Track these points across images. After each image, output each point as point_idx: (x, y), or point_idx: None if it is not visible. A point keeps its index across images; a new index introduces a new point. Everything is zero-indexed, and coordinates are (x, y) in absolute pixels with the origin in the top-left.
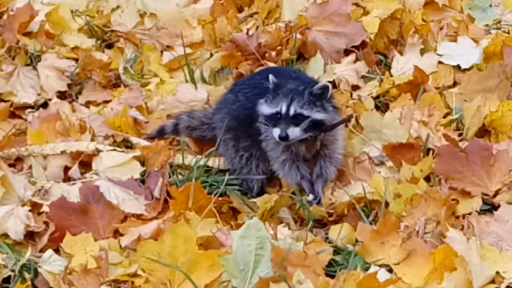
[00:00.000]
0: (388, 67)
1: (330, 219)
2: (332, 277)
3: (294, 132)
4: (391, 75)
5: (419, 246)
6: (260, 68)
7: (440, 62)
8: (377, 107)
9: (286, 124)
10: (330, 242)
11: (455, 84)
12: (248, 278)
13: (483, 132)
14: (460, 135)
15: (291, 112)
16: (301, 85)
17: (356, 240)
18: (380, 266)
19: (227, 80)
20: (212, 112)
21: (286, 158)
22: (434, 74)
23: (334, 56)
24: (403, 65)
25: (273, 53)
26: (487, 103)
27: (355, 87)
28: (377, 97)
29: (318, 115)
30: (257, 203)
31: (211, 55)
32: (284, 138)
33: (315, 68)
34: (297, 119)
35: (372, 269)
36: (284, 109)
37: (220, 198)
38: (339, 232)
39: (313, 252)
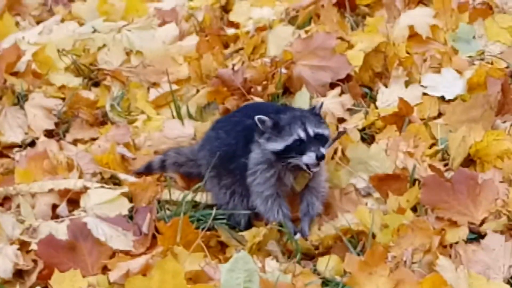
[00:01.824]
0: (373, 99)
1: (318, 251)
2: None
3: (324, 150)
4: (376, 107)
5: (407, 276)
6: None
7: (424, 94)
8: (363, 139)
9: (314, 145)
10: (318, 274)
11: (440, 115)
12: None
13: (469, 162)
14: (445, 165)
15: (311, 133)
16: (297, 112)
17: (344, 272)
18: None
19: (213, 115)
20: (197, 149)
21: (270, 194)
22: (419, 106)
23: (319, 90)
24: (388, 97)
25: (259, 88)
26: (472, 133)
27: (341, 120)
28: (363, 129)
29: (327, 132)
30: (246, 237)
31: (197, 91)
32: (322, 156)
33: (301, 102)
34: (318, 139)
35: None
36: (303, 134)
37: (208, 233)
38: (327, 264)
39: (302, 284)
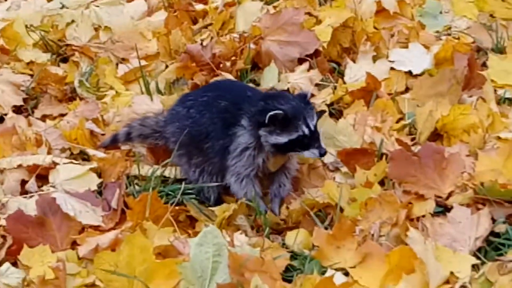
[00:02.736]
0: (341, 74)
1: (286, 226)
2: (289, 282)
3: (324, 145)
4: (344, 83)
5: (374, 249)
6: (213, 80)
7: (392, 69)
8: (331, 114)
9: (316, 141)
10: (287, 248)
11: (407, 89)
12: (206, 285)
13: (436, 136)
14: (413, 139)
15: (312, 128)
16: (292, 101)
17: (313, 245)
18: (337, 269)
19: (182, 91)
20: (163, 121)
21: (247, 174)
22: (387, 81)
23: (288, 65)
24: (356, 72)
25: (228, 63)
26: (438, 107)
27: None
28: (331, 104)
29: (316, 115)
30: (215, 212)
31: (166, 66)
32: (325, 153)
33: (270, 77)
34: (316, 131)
35: (329, 273)
36: (307, 130)
37: (177, 207)
38: (295, 238)
39: (270, 258)
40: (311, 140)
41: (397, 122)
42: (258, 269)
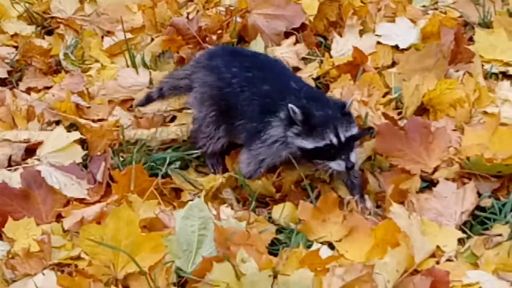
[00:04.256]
0: (328, 48)
1: (276, 196)
2: (275, 255)
3: (354, 156)
4: (331, 56)
5: (360, 222)
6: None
7: (378, 43)
8: (317, 88)
9: (344, 152)
10: (273, 222)
11: (393, 64)
12: (191, 258)
13: (422, 110)
14: (399, 113)
15: (343, 139)
16: (327, 109)
17: (299, 219)
18: (322, 243)
19: (168, 64)
20: (196, 67)
21: (265, 163)
22: (373, 55)
23: (274, 39)
24: (342, 46)
25: (214, 37)
26: (425, 82)
27: (296, 69)
28: (318, 78)
29: (356, 130)
30: (202, 183)
31: (152, 39)
32: (352, 167)
33: (256, 51)
34: (349, 144)
35: (315, 246)
36: (335, 140)
37: (162, 180)
38: (281, 212)
39: (256, 231)
40: (339, 150)
41: (384, 96)
42: (244, 243)
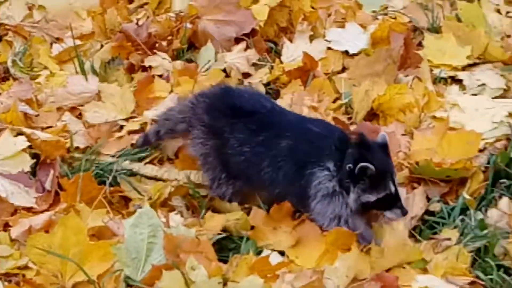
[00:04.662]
0: (278, 54)
1: None
2: (226, 262)
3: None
4: (281, 62)
5: (311, 230)
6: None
7: (329, 48)
8: (268, 94)
9: (399, 200)
10: (224, 229)
11: (344, 69)
12: (141, 267)
13: (372, 115)
14: (349, 119)
15: (396, 185)
16: (384, 158)
17: (250, 226)
18: (273, 250)
19: (118, 70)
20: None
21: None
22: (323, 60)
23: (224, 45)
24: (292, 52)
25: (164, 43)
26: (375, 87)
27: (246, 75)
28: (268, 84)
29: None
30: (150, 191)
31: (101, 46)
32: (406, 213)
33: (206, 57)
34: (398, 189)
35: (265, 253)
36: (393, 189)
37: (111, 188)
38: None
39: (206, 238)
40: (395, 199)
41: (334, 101)
42: (193, 250)
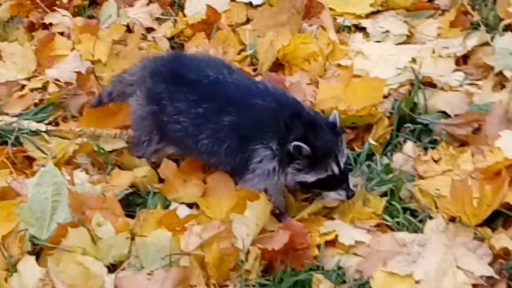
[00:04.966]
0: (181, 7)
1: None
2: (133, 217)
3: (353, 186)
4: (184, 16)
5: (222, 181)
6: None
7: (232, 0)
8: (172, 48)
9: (345, 181)
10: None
11: (248, 21)
12: (46, 226)
13: (277, 66)
14: (254, 70)
15: (342, 166)
16: (325, 135)
17: (159, 180)
18: (183, 203)
19: (17, 29)
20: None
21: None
22: (227, 12)
23: (126, 0)
24: (196, 5)
25: (65, 0)
26: (279, 37)
27: (150, 30)
28: (172, 38)
29: (346, 146)
30: (54, 149)
31: (0, 4)
32: (352, 195)
33: (108, 13)
34: (346, 167)
35: (173, 206)
36: (336, 170)
37: (14, 148)
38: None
39: (112, 194)
40: (340, 180)
41: (239, 53)
42: (99, 207)
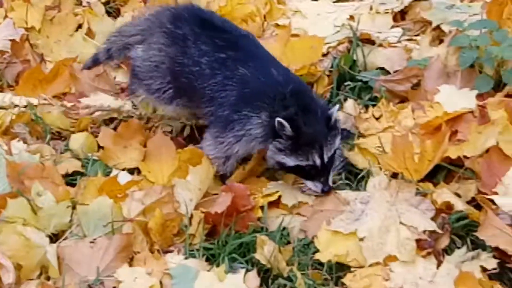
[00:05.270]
0: None
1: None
2: (74, 185)
3: (331, 181)
4: None
5: (164, 146)
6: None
7: None
8: (108, 13)
9: (324, 175)
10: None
11: None
12: None
13: None
14: None
15: (325, 160)
16: (316, 123)
17: (98, 147)
18: (124, 169)
19: None
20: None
21: (237, 155)
22: None
23: None
24: None
25: None
26: None
27: None
28: (108, 2)
29: (339, 141)
30: None
31: None
32: (328, 190)
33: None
34: (330, 162)
35: (114, 173)
36: (318, 162)
37: None
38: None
39: (51, 163)
40: (320, 172)
41: None
42: (38, 176)
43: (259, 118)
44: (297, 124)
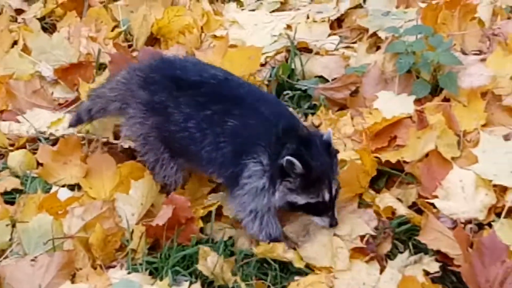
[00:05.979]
0: None
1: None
2: (13, 204)
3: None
4: None
5: (104, 161)
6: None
7: None
8: (44, 29)
9: (331, 209)
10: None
11: None
12: None
13: (153, 40)
14: (130, 46)
15: (333, 193)
16: (322, 156)
17: (37, 164)
18: (65, 186)
19: None
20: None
21: (266, 211)
22: None
23: None
24: None
25: None
26: (152, 11)
27: (19, 11)
28: (43, 18)
29: (338, 172)
30: None
31: None
32: (336, 224)
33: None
34: (336, 194)
35: (54, 189)
36: (327, 196)
37: None
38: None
39: None
40: (327, 207)
41: (113, 30)
42: None
43: (260, 164)
44: (305, 159)
